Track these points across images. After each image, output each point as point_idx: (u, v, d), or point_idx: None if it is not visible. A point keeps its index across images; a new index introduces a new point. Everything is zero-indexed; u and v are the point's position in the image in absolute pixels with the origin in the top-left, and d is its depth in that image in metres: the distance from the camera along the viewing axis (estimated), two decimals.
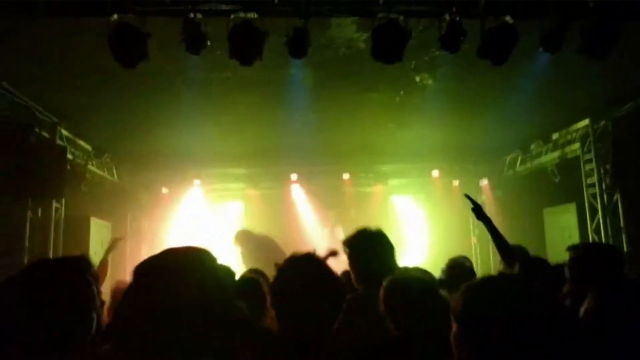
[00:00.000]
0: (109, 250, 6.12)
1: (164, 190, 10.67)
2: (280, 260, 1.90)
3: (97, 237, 8.64)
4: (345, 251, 2.58)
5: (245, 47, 4.71)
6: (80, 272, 1.52)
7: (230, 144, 8.89)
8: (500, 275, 1.40)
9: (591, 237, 7.98)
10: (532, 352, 1.31)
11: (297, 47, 4.70)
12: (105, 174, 9.28)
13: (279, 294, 1.82)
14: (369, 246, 2.52)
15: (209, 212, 10.93)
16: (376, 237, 2.57)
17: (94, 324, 1.48)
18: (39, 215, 7.11)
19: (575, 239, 8.09)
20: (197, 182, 10.54)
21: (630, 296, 1.70)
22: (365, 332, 2.09)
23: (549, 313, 1.40)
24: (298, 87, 6.40)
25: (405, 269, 2.69)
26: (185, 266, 1.22)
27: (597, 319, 1.67)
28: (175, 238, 10.03)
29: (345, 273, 2.66)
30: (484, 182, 11.16)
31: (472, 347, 1.33)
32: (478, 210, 3.73)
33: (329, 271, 1.84)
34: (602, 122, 7.76)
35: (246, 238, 7.84)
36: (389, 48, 4.66)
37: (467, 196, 3.85)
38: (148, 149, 8.92)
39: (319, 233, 10.36)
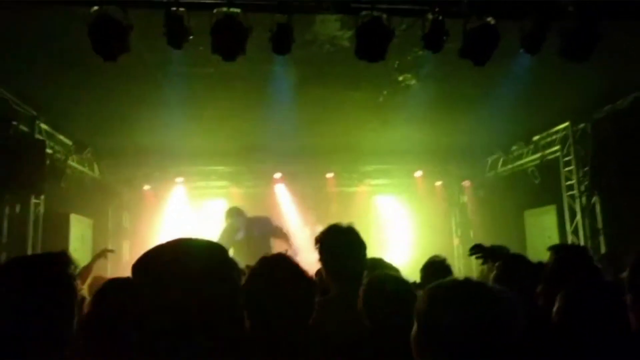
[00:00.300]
0: (96, 258, 6.11)
1: (146, 187, 10.57)
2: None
3: (78, 233, 8.53)
4: (316, 248, 2.53)
5: (228, 42, 4.68)
6: (61, 267, 1.49)
7: (213, 141, 8.84)
8: (468, 278, 1.36)
9: (570, 238, 8.09)
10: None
11: (281, 43, 4.68)
12: (86, 170, 9.16)
13: (250, 294, 1.83)
14: (341, 243, 2.45)
15: (191, 210, 10.86)
16: (348, 234, 2.49)
17: (75, 320, 1.45)
18: (17, 211, 6.99)
19: (554, 240, 8.20)
20: (179, 179, 10.46)
21: (596, 296, 1.76)
22: (341, 330, 2.08)
23: (515, 319, 1.31)
24: (281, 84, 6.39)
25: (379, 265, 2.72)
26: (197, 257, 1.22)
27: (565, 318, 1.74)
28: (158, 236, 9.93)
29: (318, 273, 2.62)
30: (467, 184, 11.25)
31: (431, 349, 1.28)
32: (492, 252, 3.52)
33: (300, 271, 1.84)
34: (582, 125, 7.87)
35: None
36: (372, 46, 4.67)
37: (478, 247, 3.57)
38: (130, 145, 8.83)
39: (301, 233, 10.35)
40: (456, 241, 11.34)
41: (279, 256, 1.93)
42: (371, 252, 2.65)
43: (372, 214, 11.44)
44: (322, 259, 2.48)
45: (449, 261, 4.37)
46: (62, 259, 1.52)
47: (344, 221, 2.57)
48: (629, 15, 4.76)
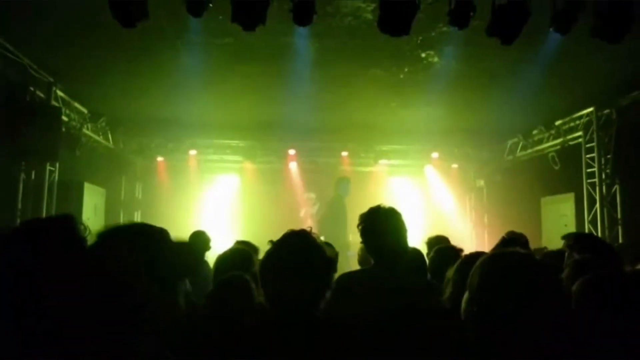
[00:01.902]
0: None
1: (160, 158, 10.55)
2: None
3: (91, 203, 8.55)
4: (358, 227, 2.61)
5: (249, 12, 4.57)
6: (68, 229, 1.44)
7: (228, 114, 8.76)
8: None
9: (587, 227, 7.93)
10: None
11: (302, 13, 4.56)
12: (100, 139, 9.15)
13: (265, 268, 1.79)
14: (384, 223, 2.54)
15: (203, 184, 10.85)
16: (391, 215, 2.57)
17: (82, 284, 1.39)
18: (32, 177, 6.99)
19: (571, 228, 8.04)
20: (192, 152, 10.42)
21: (611, 287, 1.76)
22: (378, 304, 2.12)
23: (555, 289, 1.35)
24: (301, 58, 6.26)
25: None
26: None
27: (580, 304, 1.75)
28: (170, 207, 9.93)
29: None
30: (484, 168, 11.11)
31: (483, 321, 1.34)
32: None
33: (318, 248, 1.81)
34: (607, 111, 7.64)
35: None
36: (396, 20, 4.52)
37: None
38: (145, 115, 8.78)
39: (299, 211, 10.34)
40: (470, 224, 11.23)
41: (300, 232, 1.88)
42: None
43: (386, 195, 11.33)
44: (365, 237, 2.57)
45: (462, 245, 4.31)
46: (69, 222, 1.46)
47: (358, 201, 2.65)
48: None
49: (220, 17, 5.16)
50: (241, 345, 1.56)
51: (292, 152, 10.60)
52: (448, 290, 1.96)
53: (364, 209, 2.66)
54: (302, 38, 5.63)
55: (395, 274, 2.41)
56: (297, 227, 1.92)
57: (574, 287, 1.83)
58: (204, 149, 10.48)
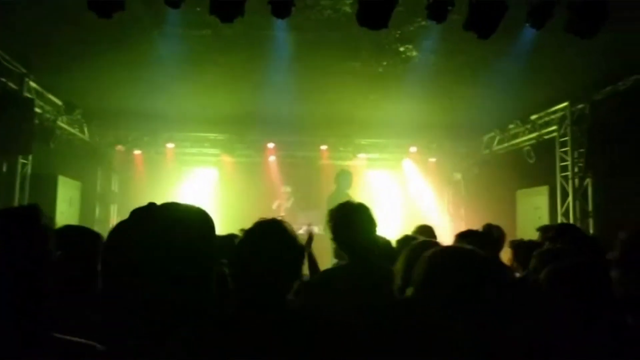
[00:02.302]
0: None
1: (136, 151, 10.41)
2: None
3: (65, 196, 8.41)
4: (328, 223, 2.64)
5: (227, 4, 4.54)
6: (32, 221, 1.39)
7: (206, 107, 8.68)
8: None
9: (560, 220, 8.09)
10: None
11: (281, 6, 4.55)
12: (76, 131, 8.99)
13: (237, 255, 1.80)
14: (353, 218, 2.56)
15: (181, 177, 10.75)
16: (360, 210, 2.62)
17: (47, 279, 1.36)
18: (4, 170, 6.84)
19: (544, 221, 8.19)
20: (170, 145, 10.30)
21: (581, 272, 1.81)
22: (353, 299, 2.13)
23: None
24: (279, 51, 6.23)
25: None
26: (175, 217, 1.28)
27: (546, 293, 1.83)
28: (147, 201, 9.81)
29: None
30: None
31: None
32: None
33: (289, 236, 1.82)
34: (581, 105, 7.80)
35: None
36: (375, 13, 4.54)
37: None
38: (121, 107, 8.64)
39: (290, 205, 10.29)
40: (447, 218, 11.35)
41: (272, 220, 1.88)
42: None
43: (365, 189, 11.38)
44: (335, 233, 2.59)
45: (440, 238, 4.35)
46: (33, 212, 1.43)
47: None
48: None
49: (198, 8, 5.11)
50: (214, 330, 1.56)
51: (271, 145, 10.56)
52: (397, 282, 1.99)
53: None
54: (280, 30, 5.60)
55: (369, 269, 2.43)
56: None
57: (540, 276, 1.89)
58: (181, 142, 10.37)
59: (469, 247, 1.50)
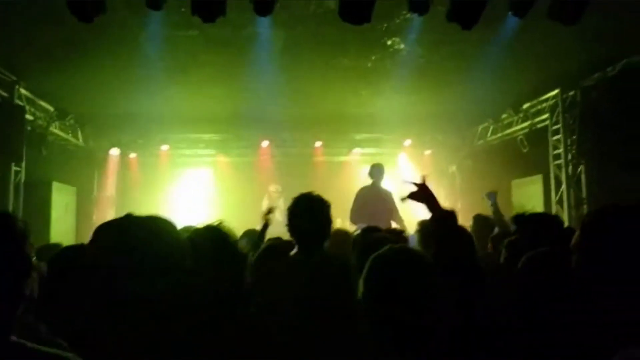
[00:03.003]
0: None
1: (132, 154, 10.43)
2: None
3: (61, 202, 8.44)
4: (286, 218, 2.64)
5: (207, 3, 4.54)
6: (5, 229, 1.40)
7: (198, 107, 8.69)
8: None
9: (554, 208, 8.08)
10: None
11: (262, 3, 4.55)
12: (69, 137, 9.00)
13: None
14: (307, 210, 2.55)
15: (177, 179, 10.76)
16: (315, 203, 2.59)
17: (25, 289, 1.37)
18: None
19: (539, 209, 8.17)
20: (165, 147, 10.32)
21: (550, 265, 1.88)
22: (307, 291, 2.17)
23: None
24: (267, 49, 6.23)
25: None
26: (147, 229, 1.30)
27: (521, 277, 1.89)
28: (144, 204, 9.84)
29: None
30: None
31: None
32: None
33: (228, 242, 1.88)
34: (572, 92, 7.77)
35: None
36: (357, 8, 4.54)
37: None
38: (114, 111, 8.66)
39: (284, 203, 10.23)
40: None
41: (212, 227, 1.94)
42: None
43: (361, 184, 11.36)
44: (290, 225, 2.59)
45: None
46: (6, 220, 1.43)
47: (332, 191, 2.63)
48: None
49: (183, 9, 5.11)
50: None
51: (265, 143, 10.57)
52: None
53: (340, 198, 2.70)
54: (267, 28, 5.61)
55: (313, 261, 2.42)
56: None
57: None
58: (176, 143, 10.39)
59: (413, 248, 1.53)
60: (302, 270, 2.32)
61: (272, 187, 9.37)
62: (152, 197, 10.05)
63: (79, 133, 9.33)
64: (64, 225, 8.37)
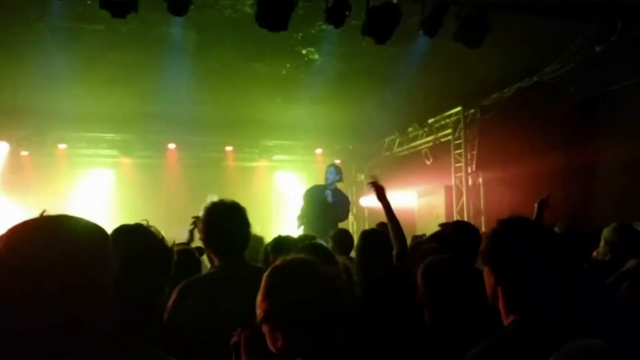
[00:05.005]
0: None
1: (24, 152, 9.62)
2: None
3: None
4: (199, 227, 2.46)
5: None
6: None
7: (101, 105, 8.23)
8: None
9: (455, 217, 8.58)
10: None
11: (177, 3, 4.40)
12: None
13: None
14: (225, 219, 2.37)
15: (75, 180, 10.09)
16: (232, 210, 2.40)
17: None
18: None
19: (442, 218, 8.64)
20: (62, 146, 9.64)
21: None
22: (229, 304, 2.07)
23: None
24: (179, 50, 6.04)
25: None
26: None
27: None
28: (36, 206, 9.12)
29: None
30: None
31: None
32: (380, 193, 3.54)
33: (156, 240, 1.88)
34: (472, 110, 8.33)
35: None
36: (274, 14, 4.53)
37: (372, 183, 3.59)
38: (5, 105, 7.95)
39: (193, 208, 9.95)
40: (351, 218, 11.61)
41: (138, 225, 1.93)
42: (268, 228, 2.65)
43: (272, 190, 11.36)
44: (206, 235, 2.40)
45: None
46: None
47: (242, 196, 2.52)
48: (516, 9, 5.06)
49: (89, 1, 4.83)
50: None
51: (172, 146, 10.22)
52: None
53: (250, 204, 2.56)
54: (179, 28, 5.44)
55: (240, 273, 2.28)
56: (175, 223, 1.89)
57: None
58: (75, 142, 9.74)
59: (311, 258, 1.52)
60: (228, 283, 2.22)
61: (209, 197, 9.07)
62: (46, 198, 9.32)
63: None
64: None
